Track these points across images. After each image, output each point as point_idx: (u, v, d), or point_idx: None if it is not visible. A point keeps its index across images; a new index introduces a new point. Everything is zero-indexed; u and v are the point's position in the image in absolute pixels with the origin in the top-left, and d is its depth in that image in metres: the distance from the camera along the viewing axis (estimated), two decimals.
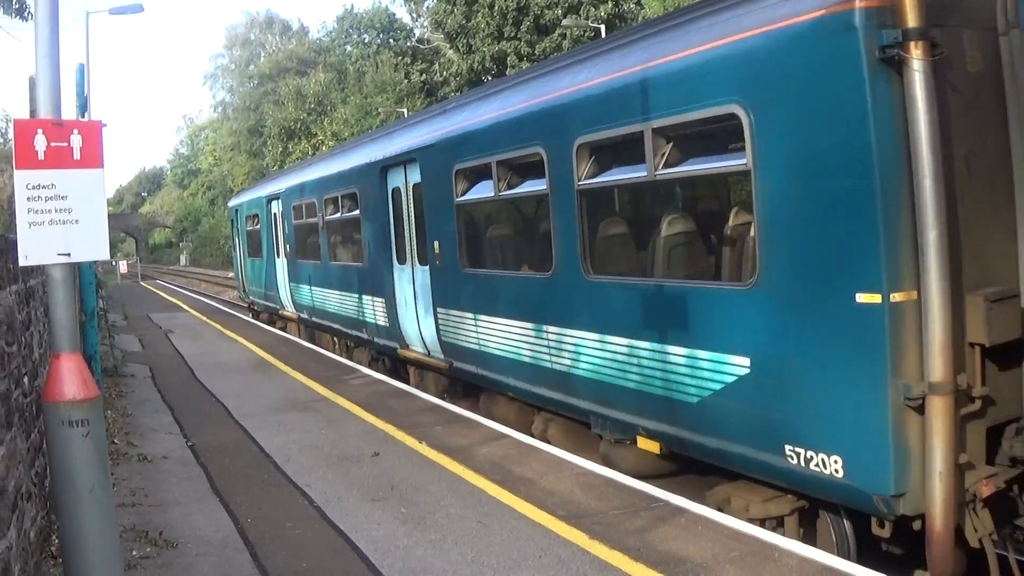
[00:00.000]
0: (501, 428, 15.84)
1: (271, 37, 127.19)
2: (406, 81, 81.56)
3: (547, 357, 14.37)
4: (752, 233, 10.43)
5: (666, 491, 11.89)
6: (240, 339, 31.42)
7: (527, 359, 15.03)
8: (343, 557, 10.14)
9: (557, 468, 13.19)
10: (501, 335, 15.83)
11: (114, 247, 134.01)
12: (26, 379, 9.96)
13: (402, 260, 20.27)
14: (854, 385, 9.21)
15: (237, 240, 42.77)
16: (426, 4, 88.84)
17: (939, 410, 8.72)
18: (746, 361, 10.34)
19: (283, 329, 33.62)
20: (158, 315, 43.40)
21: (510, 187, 15.59)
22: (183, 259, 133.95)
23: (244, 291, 42.77)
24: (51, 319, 7.09)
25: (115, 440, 15.49)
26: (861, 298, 8.95)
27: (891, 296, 8.80)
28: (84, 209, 7.04)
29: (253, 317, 39.67)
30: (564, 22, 60.25)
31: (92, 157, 7.08)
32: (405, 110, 67.40)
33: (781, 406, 9.95)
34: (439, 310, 18.25)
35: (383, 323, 21.74)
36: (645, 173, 11.83)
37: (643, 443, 12.56)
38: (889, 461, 8.95)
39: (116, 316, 38.48)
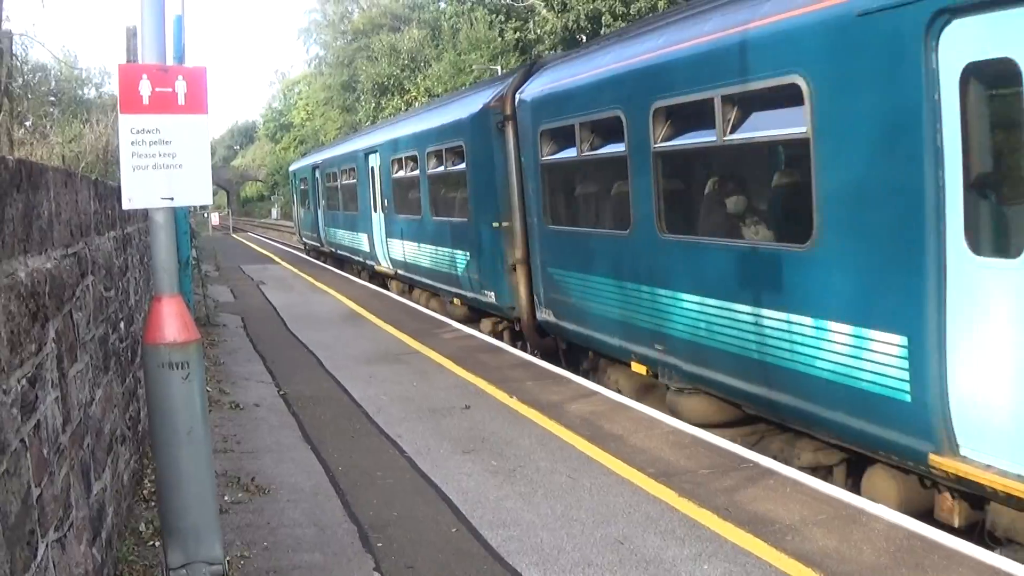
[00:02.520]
0: (592, 385, 15.93)
1: None
2: (500, 39, 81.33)
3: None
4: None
5: (755, 452, 11.88)
6: (331, 291, 31.62)
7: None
8: (433, 506, 10.22)
9: (647, 426, 13.22)
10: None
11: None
12: (122, 324, 10.10)
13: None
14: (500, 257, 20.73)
15: (312, 195, 49.82)
16: None
17: (521, 271, 20.17)
18: None
19: (379, 284, 33.85)
20: (249, 267, 43.74)
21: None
22: (274, 212, 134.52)
23: (322, 242, 47.74)
24: (153, 262, 7.16)
25: (208, 388, 15.61)
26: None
27: (502, 223, 20.51)
28: (188, 154, 7.09)
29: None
30: None
31: (196, 103, 7.13)
32: (499, 68, 67.22)
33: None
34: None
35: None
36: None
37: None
38: (508, 292, 20.52)
39: (208, 267, 38.77)
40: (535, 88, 18.89)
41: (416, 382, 16.53)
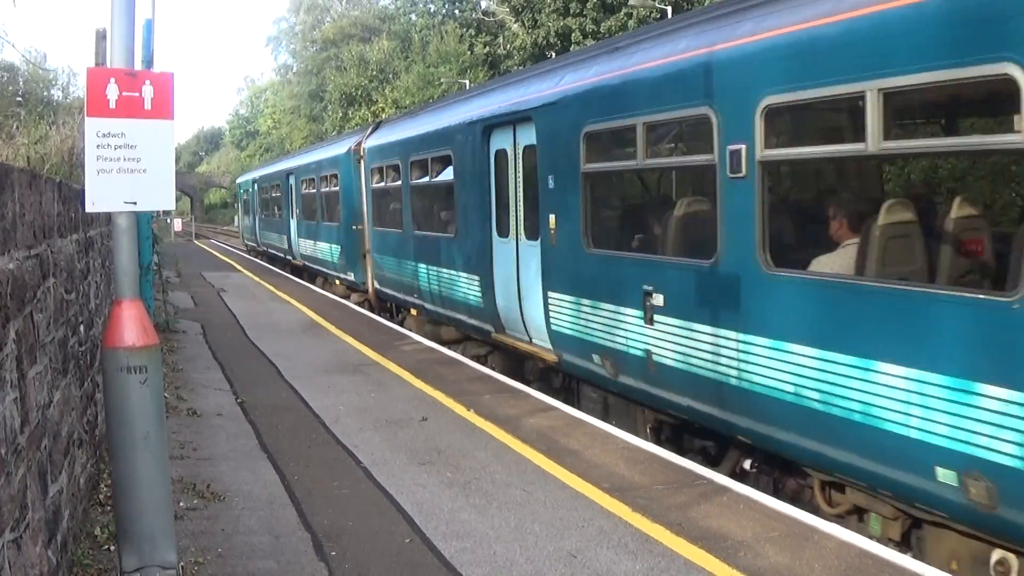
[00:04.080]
0: (550, 400, 16.01)
1: (337, 2, 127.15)
2: (469, 53, 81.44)
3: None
4: None
5: (710, 469, 11.96)
6: (292, 301, 31.64)
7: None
8: (388, 517, 10.28)
9: (603, 441, 13.31)
10: None
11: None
12: (82, 327, 10.11)
13: None
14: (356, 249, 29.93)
15: (252, 204, 63.43)
16: None
17: (368, 258, 27.93)
18: None
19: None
20: (211, 274, 43.77)
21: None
22: (237, 220, 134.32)
23: (258, 242, 60.20)
24: (115, 266, 7.20)
25: (165, 394, 15.59)
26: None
27: (358, 226, 29.81)
28: (152, 159, 7.13)
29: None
30: (631, 1, 59.94)
31: (163, 108, 7.17)
32: (468, 82, 67.31)
33: None
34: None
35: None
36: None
37: None
38: (361, 272, 29.57)
39: (170, 273, 38.77)
40: (372, 140, 29.53)
41: (374, 393, 16.57)
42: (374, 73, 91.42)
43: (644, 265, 13.61)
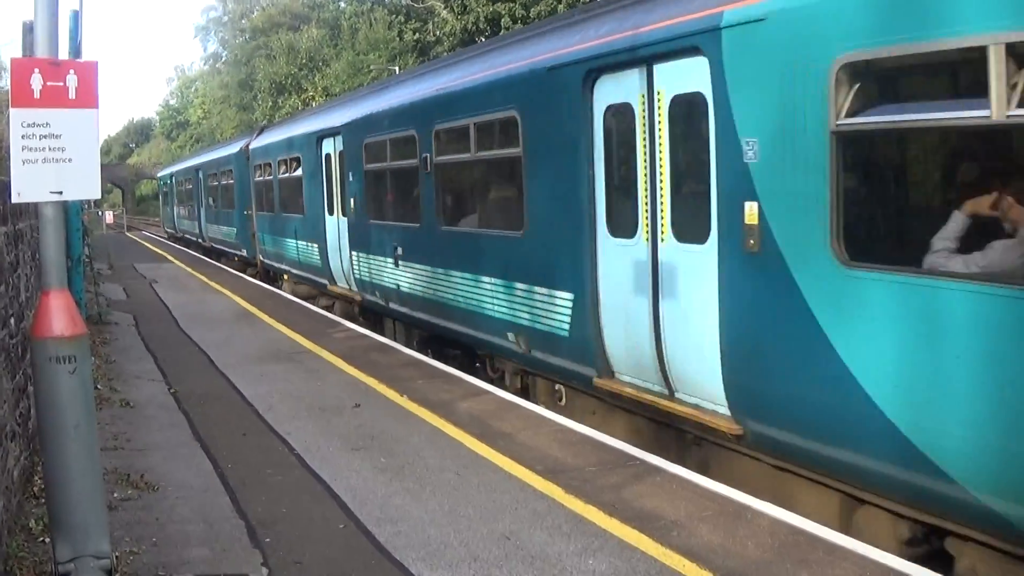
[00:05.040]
0: (482, 384, 16.09)
1: None
2: (399, 40, 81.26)
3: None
4: None
5: (642, 450, 12.04)
6: (224, 290, 31.49)
7: None
8: (321, 503, 10.28)
9: (536, 424, 13.37)
10: None
11: (101, 197, 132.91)
12: (12, 321, 10.06)
13: None
14: (247, 229, 38.42)
15: (170, 196, 71.16)
16: None
17: (256, 237, 35.39)
18: None
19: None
20: (143, 265, 43.44)
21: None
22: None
23: (176, 229, 68.37)
24: (42, 257, 7.19)
25: (98, 386, 15.54)
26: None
27: (247, 211, 38.45)
28: (77, 148, 7.12)
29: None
30: None
31: (87, 97, 7.16)
32: (397, 68, 67.19)
33: None
34: None
35: None
36: None
37: None
38: (251, 248, 38.25)
39: (101, 265, 38.42)
40: (256, 142, 36.84)
41: (307, 381, 16.58)
42: (304, 61, 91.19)
43: (393, 229, 20.93)
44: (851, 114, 8.96)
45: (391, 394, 15.26)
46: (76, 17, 17.89)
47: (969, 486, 8.13)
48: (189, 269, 41.13)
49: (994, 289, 7.76)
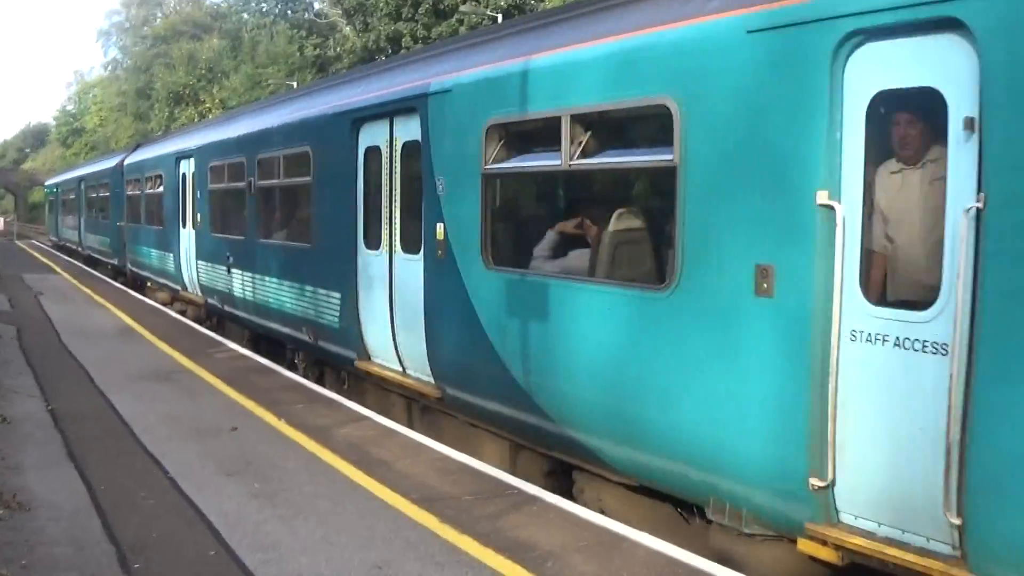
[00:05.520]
0: (362, 410, 16.04)
1: None
2: (299, 55, 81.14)
3: None
4: None
5: (520, 480, 12.05)
6: (109, 305, 31.10)
7: None
8: (193, 529, 10.17)
9: (414, 452, 13.36)
10: None
11: None
12: None
13: None
14: (119, 239, 41.93)
15: (56, 205, 74.52)
16: None
17: (127, 246, 39.39)
18: None
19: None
20: (31, 275, 42.76)
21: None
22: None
23: (59, 237, 71.18)
24: None
25: None
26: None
27: (120, 223, 41.64)
28: None
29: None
30: (462, 8, 60.31)
31: None
32: (295, 83, 66.96)
33: None
34: None
35: None
36: None
37: None
38: (122, 256, 41.85)
39: None
40: (129, 159, 39.88)
41: (185, 401, 16.41)
42: (203, 72, 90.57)
43: (227, 242, 24.39)
44: (493, 161, 12.77)
45: (269, 418, 15.17)
46: None
47: (571, 429, 11.45)
48: (75, 281, 40.57)
49: (568, 282, 11.62)
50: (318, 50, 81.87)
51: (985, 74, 7.15)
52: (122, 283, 39.71)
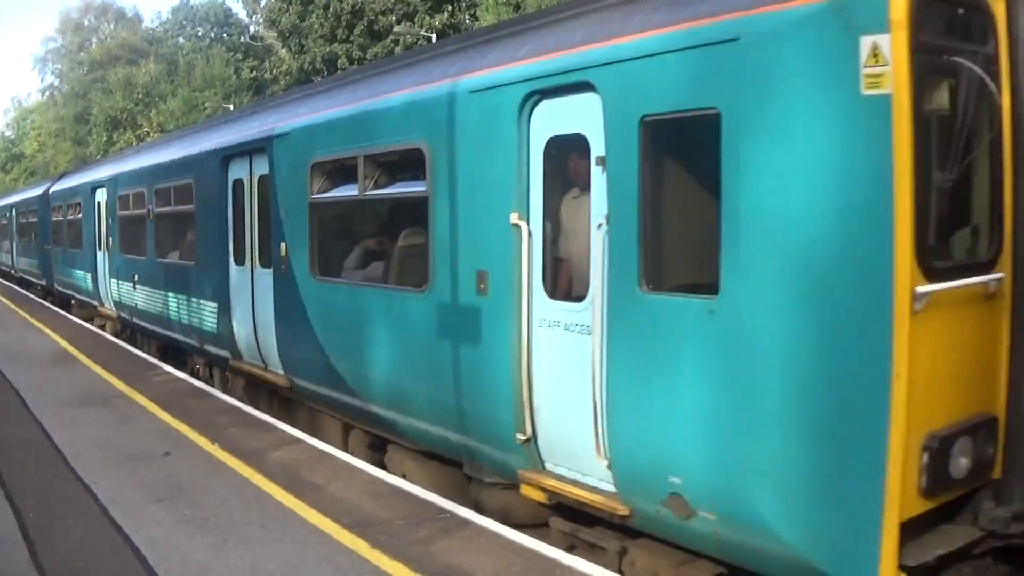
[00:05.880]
0: (296, 432, 15.91)
1: (105, 24, 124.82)
2: (235, 77, 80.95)
3: None
4: None
5: (454, 503, 12.01)
6: (47, 330, 30.78)
7: None
8: (121, 557, 10.07)
9: (347, 475, 13.26)
10: None
11: None
12: None
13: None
14: (48, 261, 44.59)
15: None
16: (263, 1, 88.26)
17: (54, 267, 42.35)
18: None
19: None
20: None
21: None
22: None
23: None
24: None
25: None
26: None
27: (47, 246, 44.27)
28: None
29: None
30: (396, 29, 60.36)
31: None
32: (232, 106, 66.81)
33: None
34: None
35: None
36: None
37: None
38: (50, 277, 44.37)
39: None
40: (54, 187, 42.66)
41: (119, 427, 16.21)
42: (140, 96, 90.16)
43: (134, 262, 26.94)
44: (317, 192, 15.52)
45: (203, 442, 15.00)
46: None
47: (374, 406, 14.12)
48: (12, 306, 40.18)
49: (367, 288, 14.49)
50: (254, 73, 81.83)
51: (606, 123, 9.63)
52: (51, 302, 42.19)
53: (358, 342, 14.43)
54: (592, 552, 10.63)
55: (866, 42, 7.48)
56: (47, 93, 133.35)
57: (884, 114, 7.44)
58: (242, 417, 17.18)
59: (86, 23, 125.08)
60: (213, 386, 21.04)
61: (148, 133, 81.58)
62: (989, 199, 8.56)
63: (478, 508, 11.98)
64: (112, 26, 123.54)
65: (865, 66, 7.50)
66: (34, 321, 33.60)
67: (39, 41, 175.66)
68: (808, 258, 7.94)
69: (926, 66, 7.71)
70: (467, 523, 11.25)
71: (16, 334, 30.06)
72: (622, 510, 9.71)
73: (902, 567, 7.63)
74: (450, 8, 66.05)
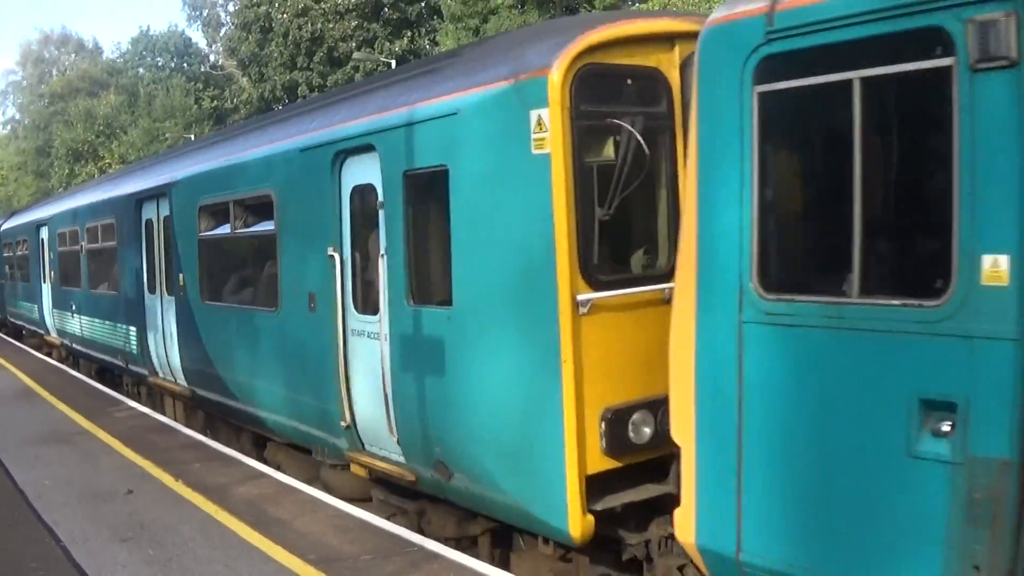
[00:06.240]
0: (261, 467, 15.77)
1: (65, 56, 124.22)
2: (196, 107, 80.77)
3: None
4: None
5: (421, 536, 11.86)
6: (9, 366, 30.67)
7: None
8: None
9: (312, 509, 13.11)
10: None
11: None
12: None
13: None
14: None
15: None
16: (222, 31, 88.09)
17: (8, 301, 44.44)
18: None
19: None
20: None
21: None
22: None
23: None
24: None
25: None
26: None
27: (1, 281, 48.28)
28: None
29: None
30: (356, 55, 60.26)
31: None
32: (193, 135, 66.58)
33: None
34: None
35: None
36: None
37: None
38: (6, 313, 45.74)
39: None
40: (4, 225, 44.55)
41: (81, 464, 16.03)
42: (101, 128, 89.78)
43: (72, 293, 29.48)
44: (203, 230, 18.25)
45: (166, 478, 14.83)
46: None
47: (251, 407, 16.67)
48: None
49: (238, 308, 17.27)
50: (215, 102, 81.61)
51: (383, 176, 12.27)
52: (5, 332, 45.26)
53: (234, 353, 17.32)
54: (407, 516, 13.04)
55: (533, 115, 9.79)
56: (8, 126, 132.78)
57: (546, 168, 9.67)
58: (206, 452, 17.02)
59: (46, 55, 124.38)
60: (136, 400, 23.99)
61: (110, 165, 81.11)
62: (667, 225, 10.54)
63: (326, 488, 14.51)
64: (72, 57, 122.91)
65: (533, 132, 9.79)
66: None
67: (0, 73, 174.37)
68: (505, 276, 10.38)
69: (584, 129, 9.86)
70: (435, 556, 11.08)
71: None
72: (409, 476, 12.19)
73: (591, 511, 9.67)
74: (410, 34, 66.15)
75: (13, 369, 29.78)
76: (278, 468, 16.11)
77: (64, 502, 13.65)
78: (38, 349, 36.65)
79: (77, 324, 29.27)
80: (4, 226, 45.58)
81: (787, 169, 8.70)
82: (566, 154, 9.68)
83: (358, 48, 63.07)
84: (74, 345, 30.79)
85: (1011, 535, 6.45)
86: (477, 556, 11.55)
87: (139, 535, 12.02)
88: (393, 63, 54.40)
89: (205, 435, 18.97)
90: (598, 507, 9.75)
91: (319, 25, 66.23)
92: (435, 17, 65.09)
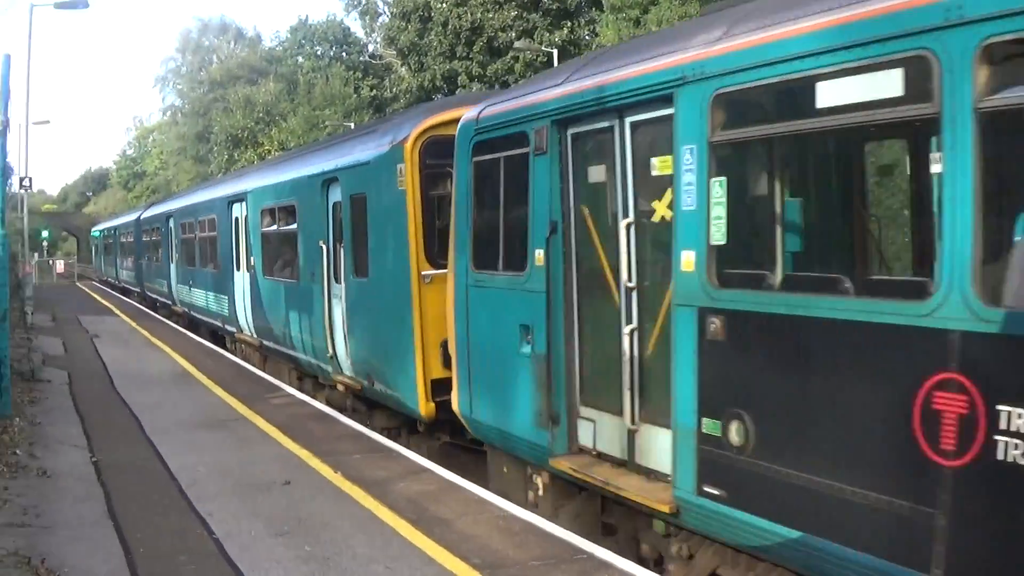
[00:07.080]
0: (423, 461, 15.16)
1: (224, 43, 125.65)
2: (355, 96, 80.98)
3: None
4: None
5: (591, 543, 11.11)
6: (166, 348, 30.84)
7: None
8: None
9: (477, 509, 12.44)
10: None
11: (55, 245, 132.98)
12: None
13: None
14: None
15: (100, 248, 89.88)
16: (380, 20, 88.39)
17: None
18: None
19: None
20: (88, 317, 42.86)
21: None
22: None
23: (104, 274, 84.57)
24: None
25: (17, 451, 14.87)
26: None
27: (140, 261, 58.55)
28: None
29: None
30: (516, 45, 59.86)
31: None
32: (352, 124, 66.68)
33: None
34: None
35: None
36: None
37: None
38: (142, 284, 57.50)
39: (44, 317, 38.09)
40: (145, 213, 53.08)
41: (237, 452, 15.75)
42: (260, 115, 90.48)
43: (188, 271, 36.93)
44: (263, 227, 24.96)
45: (325, 470, 14.37)
46: (8, 62, 17.58)
47: (291, 351, 23.56)
48: (133, 323, 40.44)
49: (277, 281, 24.38)
50: (374, 91, 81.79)
51: (343, 196, 18.94)
52: (136, 300, 54.00)
53: (278, 312, 24.00)
54: (360, 414, 19.64)
55: (400, 167, 16.21)
56: (168, 112, 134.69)
57: (404, 198, 16.12)
58: (366, 443, 16.59)
59: (205, 43, 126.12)
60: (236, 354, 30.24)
61: (269, 151, 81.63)
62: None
63: (328, 402, 21.12)
64: (231, 45, 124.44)
65: (399, 176, 16.24)
66: (153, 339, 33.52)
67: (159, 61, 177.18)
68: (390, 258, 16.87)
69: (427, 175, 16.12)
70: (606, 565, 10.31)
71: (135, 352, 29.88)
72: (357, 386, 18.86)
73: (434, 402, 15.70)
74: (569, 24, 65.64)
75: (170, 351, 29.89)
76: (311, 395, 22.50)
77: (218, 492, 13.28)
78: (168, 318, 43.43)
79: (193, 295, 36.86)
80: (144, 215, 53.85)
81: (485, 205, 13.64)
82: (415, 189, 16.15)
83: (518, 38, 62.70)
84: (191, 313, 38.08)
85: (549, 392, 11.56)
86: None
87: (296, 529, 11.54)
88: (554, 53, 53.83)
89: (263, 370, 26.40)
90: (438, 399, 15.66)
91: (478, 15, 66.12)
92: (594, 7, 64.49)
